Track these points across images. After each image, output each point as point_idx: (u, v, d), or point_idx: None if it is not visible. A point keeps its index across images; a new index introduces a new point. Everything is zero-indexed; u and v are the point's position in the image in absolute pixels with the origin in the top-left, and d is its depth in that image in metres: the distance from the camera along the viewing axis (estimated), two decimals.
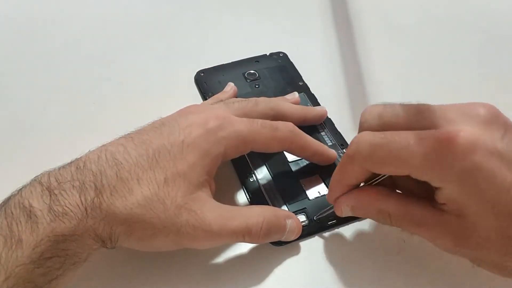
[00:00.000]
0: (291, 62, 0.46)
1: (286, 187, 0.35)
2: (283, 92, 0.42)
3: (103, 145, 0.29)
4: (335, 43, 0.49)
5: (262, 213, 0.30)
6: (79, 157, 0.28)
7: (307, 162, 0.36)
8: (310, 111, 0.39)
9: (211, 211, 0.28)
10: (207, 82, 0.43)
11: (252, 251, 0.32)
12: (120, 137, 0.30)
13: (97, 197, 0.26)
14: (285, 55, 0.47)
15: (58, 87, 0.44)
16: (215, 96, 0.40)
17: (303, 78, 0.44)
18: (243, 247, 0.32)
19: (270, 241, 0.31)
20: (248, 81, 0.43)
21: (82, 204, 0.26)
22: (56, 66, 0.46)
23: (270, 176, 0.36)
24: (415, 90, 0.44)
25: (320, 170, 0.36)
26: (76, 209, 0.25)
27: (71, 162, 0.28)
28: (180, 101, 0.35)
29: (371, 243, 0.33)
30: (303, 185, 0.35)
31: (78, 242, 0.26)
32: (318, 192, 0.35)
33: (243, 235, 0.29)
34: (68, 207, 0.25)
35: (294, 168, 0.36)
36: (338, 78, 0.45)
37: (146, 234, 0.27)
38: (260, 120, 0.33)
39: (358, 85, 0.44)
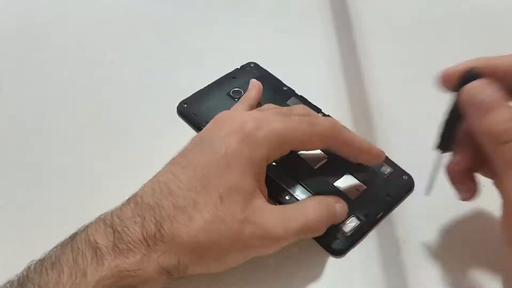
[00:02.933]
0: (265, 70, 0.45)
1: (326, 194, 0.34)
2: (274, 101, 0.40)
3: (154, 177, 0.29)
4: (334, 44, 0.48)
5: (317, 206, 0.31)
6: (135, 193, 0.29)
7: (332, 164, 0.36)
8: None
9: (271, 217, 0.29)
10: (196, 112, 0.41)
11: None
12: (166, 164, 0.30)
13: (158, 231, 0.26)
14: (256, 65, 0.46)
15: (59, 87, 0.44)
16: (243, 97, 0.38)
17: (296, 81, 0.43)
18: None
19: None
20: (236, 99, 0.42)
21: (144, 239, 0.26)
22: (56, 67, 0.46)
23: (304, 188, 0.35)
24: (416, 90, 0.44)
25: (347, 168, 0.36)
26: (139, 245, 0.26)
27: (129, 199, 0.28)
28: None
29: (371, 243, 0.33)
30: (339, 188, 0.35)
31: (142, 277, 0.26)
32: (357, 190, 0.35)
33: (305, 233, 0.30)
34: (131, 244, 0.26)
35: (322, 173, 0.36)
36: (338, 79, 0.45)
37: (215, 256, 0.28)
38: (297, 116, 0.32)
39: (358, 85, 0.44)
